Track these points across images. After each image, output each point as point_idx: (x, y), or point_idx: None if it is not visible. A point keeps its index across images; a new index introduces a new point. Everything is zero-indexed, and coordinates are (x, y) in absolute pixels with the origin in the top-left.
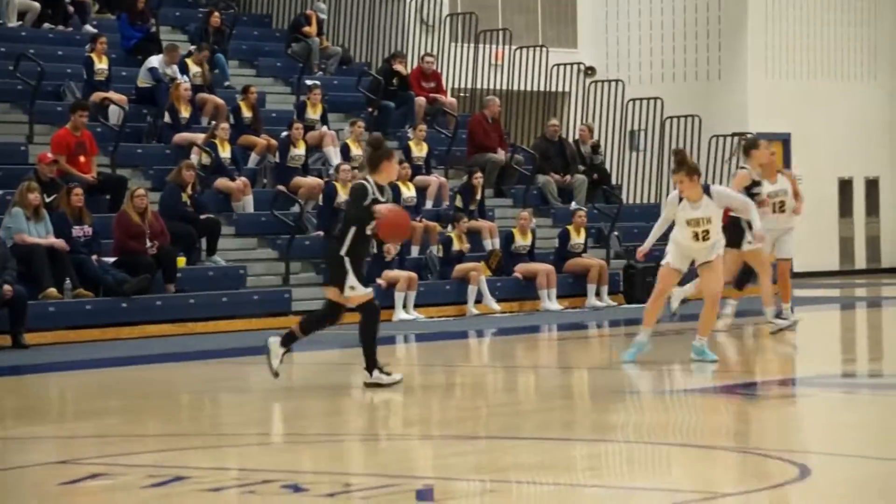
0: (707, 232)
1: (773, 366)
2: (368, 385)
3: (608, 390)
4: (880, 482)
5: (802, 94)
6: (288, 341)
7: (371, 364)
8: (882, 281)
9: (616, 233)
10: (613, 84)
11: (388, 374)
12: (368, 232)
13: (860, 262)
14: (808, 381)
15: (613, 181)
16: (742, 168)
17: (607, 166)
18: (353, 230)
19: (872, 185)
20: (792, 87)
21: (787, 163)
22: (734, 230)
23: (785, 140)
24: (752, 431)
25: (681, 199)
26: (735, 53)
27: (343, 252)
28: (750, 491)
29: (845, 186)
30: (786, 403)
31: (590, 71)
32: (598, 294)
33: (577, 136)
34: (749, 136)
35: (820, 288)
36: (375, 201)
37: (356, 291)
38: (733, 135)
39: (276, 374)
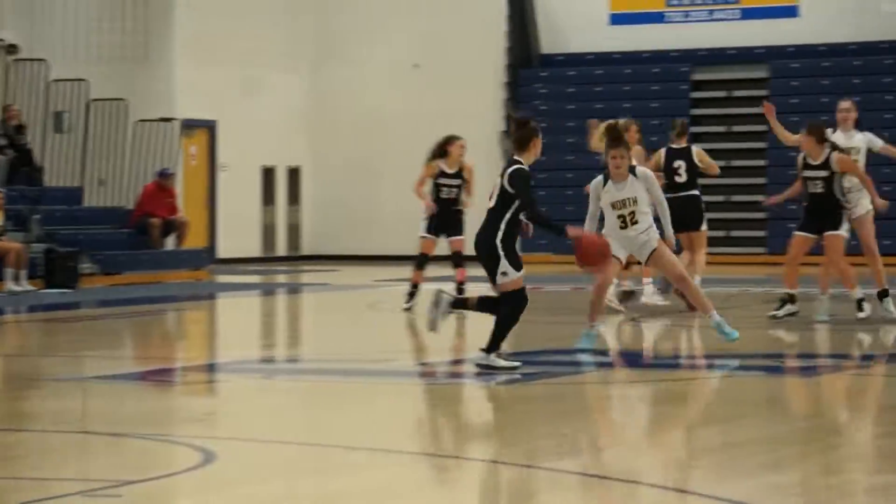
0: (633, 214)
1: (194, 352)
2: (480, 366)
3: (21, 378)
4: (282, 465)
5: (228, 82)
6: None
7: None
8: (302, 267)
9: (37, 216)
10: (37, 63)
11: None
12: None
13: (281, 249)
14: (227, 367)
15: (38, 163)
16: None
17: (32, 147)
18: (510, 215)
19: (294, 174)
20: (218, 75)
21: (211, 151)
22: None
23: (211, 128)
24: (162, 419)
25: (606, 182)
26: (162, 38)
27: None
28: (153, 478)
29: (268, 175)
30: (202, 389)
31: (11, 49)
32: (16, 278)
33: (2, 117)
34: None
35: (242, 274)
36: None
37: (509, 277)
38: (160, 120)
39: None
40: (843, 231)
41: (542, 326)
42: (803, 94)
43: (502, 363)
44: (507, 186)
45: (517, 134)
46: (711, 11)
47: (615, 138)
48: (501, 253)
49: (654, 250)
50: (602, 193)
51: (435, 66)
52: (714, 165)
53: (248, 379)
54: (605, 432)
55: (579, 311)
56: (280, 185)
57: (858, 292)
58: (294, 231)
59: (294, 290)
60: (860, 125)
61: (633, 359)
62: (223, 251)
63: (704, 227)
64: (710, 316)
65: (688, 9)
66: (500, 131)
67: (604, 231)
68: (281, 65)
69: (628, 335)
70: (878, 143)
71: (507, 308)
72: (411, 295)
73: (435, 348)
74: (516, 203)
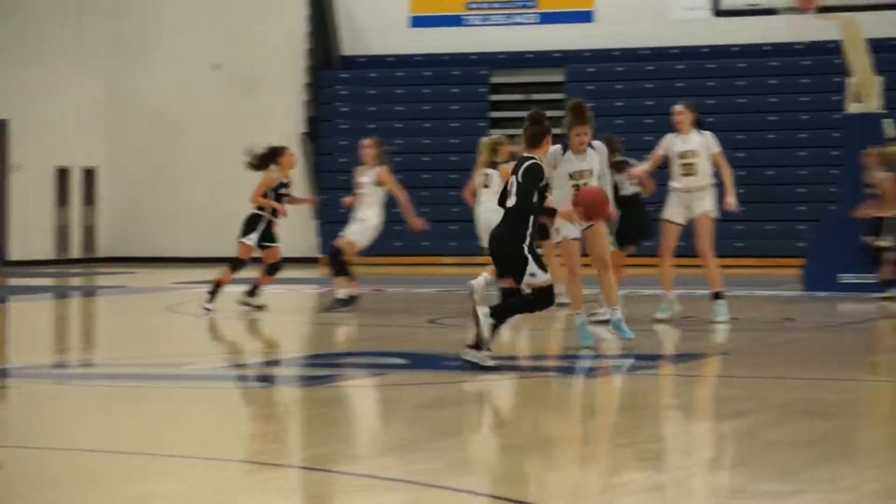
0: (587, 185)
1: None
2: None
3: None
4: (72, 473)
5: (19, 80)
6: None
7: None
8: (97, 270)
9: None
10: None
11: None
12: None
13: (76, 251)
14: (17, 372)
15: None
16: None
17: None
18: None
19: (90, 175)
20: (9, 74)
21: (2, 151)
22: None
23: (2, 126)
24: None
25: (565, 151)
26: None
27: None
28: None
29: (63, 175)
30: None
31: None
32: None
33: None
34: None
35: (34, 277)
36: None
37: (537, 278)
38: None
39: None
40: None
41: (371, 329)
42: (599, 98)
43: (486, 361)
44: (522, 183)
45: (531, 130)
46: (509, 15)
47: (580, 115)
48: (529, 256)
49: (593, 224)
50: (561, 162)
51: (235, 68)
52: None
53: (38, 384)
54: (390, 435)
55: (413, 312)
56: (75, 186)
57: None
58: (89, 233)
59: (89, 292)
60: (701, 126)
61: (437, 360)
62: (14, 253)
63: None
64: (612, 311)
65: (486, 13)
66: (301, 133)
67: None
68: (74, 64)
69: (457, 334)
70: (715, 149)
71: (537, 299)
72: (213, 294)
73: (234, 351)
74: (535, 200)
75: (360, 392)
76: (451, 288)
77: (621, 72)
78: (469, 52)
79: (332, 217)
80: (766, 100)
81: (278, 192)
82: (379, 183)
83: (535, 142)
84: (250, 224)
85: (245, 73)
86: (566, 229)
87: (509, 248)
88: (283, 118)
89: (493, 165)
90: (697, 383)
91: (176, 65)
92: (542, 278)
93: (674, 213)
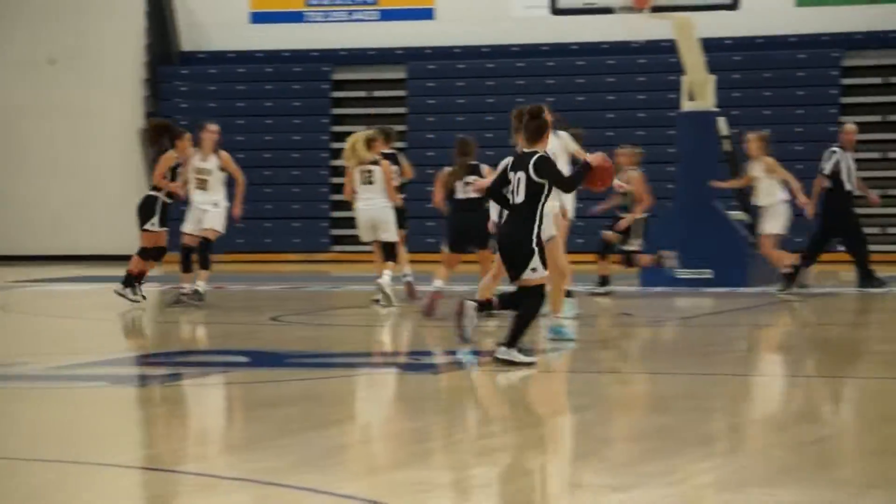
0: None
1: None
2: (498, 360)
3: None
4: None
5: None
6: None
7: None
8: None
9: None
10: None
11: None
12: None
13: None
14: None
15: None
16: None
17: None
18: (541, 208)
19: None
20: None
21: None
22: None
23: None
24: None
25: None
26: None
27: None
28: None
29: None
30: None
31: None
32: None
33: None
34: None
35: None
36: None
37: (537, 274)
38: None
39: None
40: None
41: (214, 326)
42: (439, 96)
43: (522, 358)
44: (534, 177)
45: (532, 125)
46: (351, 12)
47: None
48: (536, 250)
49: (553, 236)
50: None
51: (72, 62)
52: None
53: None
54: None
55: (256, 309)
56: None
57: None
58: None
59: None
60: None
61: (278, 358)
62: None
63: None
64: (555, 316)
65: (327, 9)
66: (140, 129)
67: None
68: None
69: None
70: (572, 147)
71: (530, 301)
72: (131, 285)
73: (72, 351)
74: (545, 194)
75: (201, 391)
76: (295, 285)
77: (462, 69)
78: (311, 49)
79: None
80: (605, 97)
81: (175, 173)
82: (223, 168)
83: (537, 136)
84: (147, 209)
85: (82, 68)
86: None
87: (520, 244)
88: (122, 114)
89: (375, 162)
90: (534, 379)
91: (12, 59)
92: (541, 274)
93: None
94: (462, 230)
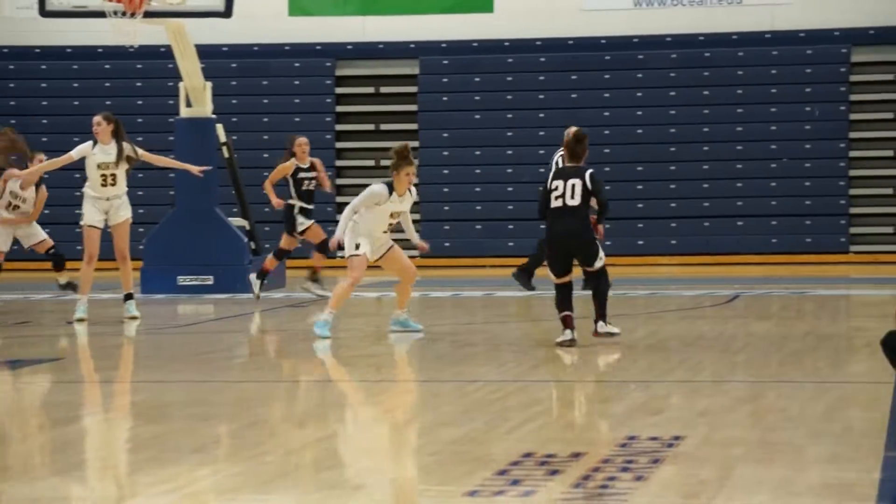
0: (399, 224)
1: None
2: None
3: None
4: None
5: None
6: None
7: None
8: None
9: None
10: None
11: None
12: None
13: None
14: None
15: None
16: None
17: None
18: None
19: None
20: None
21: None
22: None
23: None
24: None
25: (391, 192)
26: None
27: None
28: None
29: None
30: None
31: None
32: None
33: None
34: None
35: None
36: None
37: (601, 259)
38: None
39: None
40: None
41: None
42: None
43: (615, 328)
44: (588, 185)
45: (580, 146)
46: None
47: (407, 157)
48: (597, 242)
49: (391, 248)
50: (385, 202)
51: None
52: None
53: None
54: None
55: None
56: None
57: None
58: None
59: None
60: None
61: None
62: None
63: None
64: (399, 311)
65: None
66: None
67: (361, 231)
68: None
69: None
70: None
71: (604, 279)
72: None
73: None
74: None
75: None
76: None
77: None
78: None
79: None
80: (103, 102)
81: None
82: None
83: (581, 156)
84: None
85: None
86: (366, 248)
87: (584, 240)
88: None
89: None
90: (26, 390)
91: None
92: (603, 257)
93: (95, 219)
94: None
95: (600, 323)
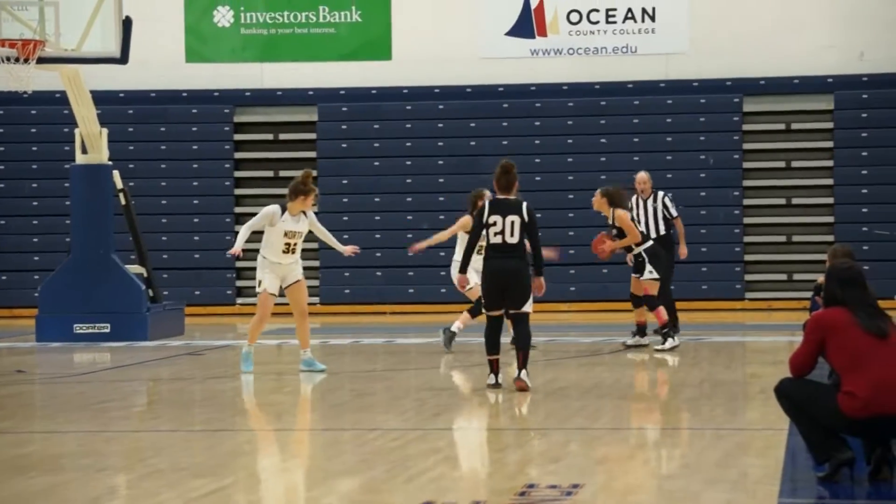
0: (297, 245)
1: None
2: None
3: None
4: None
5: None
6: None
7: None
8: None
9: None
10: None
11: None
12: None
13: None
14: None
15: None
16: None
17: None
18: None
19: None
20: None
21: None
22: None
23: None
24: None
25: (283, 212)
26: None
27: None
28: None
29: None
30: None
31: None
32: None
33: None
34: None
35: None
36: None
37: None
38: None
39: None
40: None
41: None
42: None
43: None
44: (526, 220)
45: (508, 178)
46: None
47: (310, 184)
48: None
49: (298, 281)
50: (279, 221)
51: None
52: None
53: None
54: None
55: None
56: None
57: None
58: None
59: None
60: None
61: None
62: None
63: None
64: (305, 352)
65: None
66: None
67: (264, 254)
68: None
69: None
70: None
71: (527, 327)
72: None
73: None
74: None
75: None
76: None
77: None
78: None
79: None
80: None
81: None
82: None
83: (511, 187)
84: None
85: None
86: (268, 283)
87: (525, 278)
88: None
89: None
90: None
91: None
92: (532, 306)
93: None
94: None
95: (523, 372)
